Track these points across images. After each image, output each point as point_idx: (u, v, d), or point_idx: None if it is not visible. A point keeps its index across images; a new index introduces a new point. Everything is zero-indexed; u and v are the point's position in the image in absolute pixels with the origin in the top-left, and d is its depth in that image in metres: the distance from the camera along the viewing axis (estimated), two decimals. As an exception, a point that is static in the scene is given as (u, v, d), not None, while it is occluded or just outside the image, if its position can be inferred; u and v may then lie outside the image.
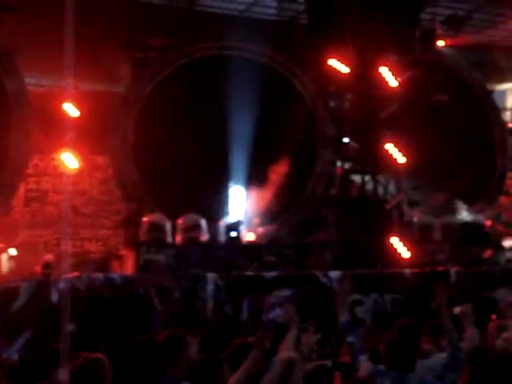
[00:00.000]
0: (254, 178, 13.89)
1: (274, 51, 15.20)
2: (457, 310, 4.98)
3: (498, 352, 4.61)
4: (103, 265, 12.67)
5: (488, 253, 13.66)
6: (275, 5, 16.36)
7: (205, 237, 12.14)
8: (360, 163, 12.79)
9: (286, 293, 9.71)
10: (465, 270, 11.14)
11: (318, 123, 14.90)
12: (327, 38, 13.47)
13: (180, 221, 12.26)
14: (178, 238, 12.05)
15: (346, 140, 13.61)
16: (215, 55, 15.01)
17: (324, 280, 10.02)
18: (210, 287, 9.42)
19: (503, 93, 26.89)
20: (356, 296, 9.86)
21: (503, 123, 19.09)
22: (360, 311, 9.97)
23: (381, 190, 12.68)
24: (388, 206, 12.28)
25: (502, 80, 25.52)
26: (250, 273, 10.41)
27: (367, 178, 12.81)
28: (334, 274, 10.15)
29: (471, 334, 4.63)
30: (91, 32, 11.76)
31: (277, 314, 9.35)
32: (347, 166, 13.25)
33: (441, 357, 4.45)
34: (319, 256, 11.71)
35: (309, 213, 14.54)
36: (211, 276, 9.57)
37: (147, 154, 13.84)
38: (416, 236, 12.93)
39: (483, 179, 17.45)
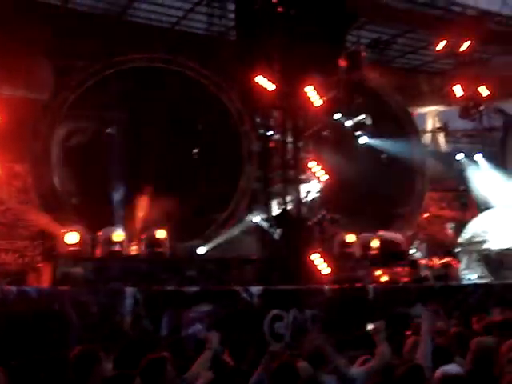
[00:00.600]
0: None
1: (202, 65, 15.25)
2: (370, 326, 5.08)
3: (406, 367, 4.74)
4: (19, 277, 12.24)
5: (405, 270, 14.09)
6: (205, 20, 16.46)
7: (125, 250, 11.96)
8: (283, 179, 12.90)
9: (205, 308, 9.65)
10: (382, 287, 11.42)
11: (244, 139, 15.04)
12: (254, 55, 13.60)
13: (100, 233, 12.02)
14: (98, 251, 11.80)
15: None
16: (144, 67, 14.92)
17: (244, 295, 10.03)
18: (129, 301, 9.22)
19: (423, 116, 28.02)
20: (276, 311, 9.93)
21: (423, 146, 19.85)
22: (279, 327, 10.02)
23: (303, 207, 12.83)
24: (310, 223, 12.44)
25: (423, 103, 26.56)
26: (170, 287, 10.28)
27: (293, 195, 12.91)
28: (255, 289, 10.17)
29: (382, 350, 4.73)
30: (12, 38, 11.44)
31: (197, 329, 9.32)
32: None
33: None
34: (240, 271, 11.73)
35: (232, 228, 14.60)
36: (130, 290, 9.37)
37: (68, 164, 13.54)
38: (336, 252, 13.19)
39: (403, 199, 18.04)
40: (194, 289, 10.04)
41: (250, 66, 13.49)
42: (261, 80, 13.13)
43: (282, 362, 4.71)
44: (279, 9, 13.22)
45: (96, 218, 12.40)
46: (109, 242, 11.96)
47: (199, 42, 16.43)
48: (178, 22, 16.33)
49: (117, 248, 11.98)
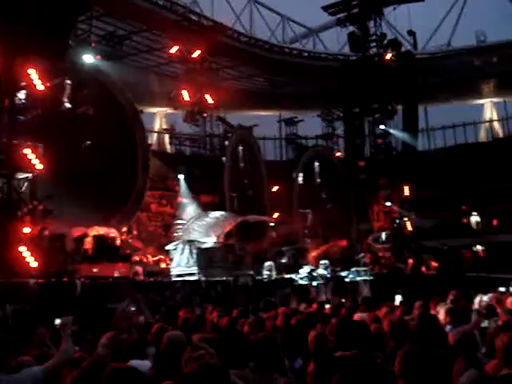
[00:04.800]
0: None
1: None
2: (57, 321, 4.94)
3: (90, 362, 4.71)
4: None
5: (119, 265, 14.13)
6: None
7: None
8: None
9: None
10: (90, 282, 11.30)
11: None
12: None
13: None
14: None
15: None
16: None
17: None
18: None
19: (152, 116, 28.63)
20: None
21: (147, 144, 20.12)
22: (-24, 324, 9.32)
23: (15, 196, 12.03)
24: (20, 213, 11.72)
25: (153, 103, 27.12)
26: None
27: (1, 181, 12.00)
28: None
29: (65, 347, 4.62)
30: None
31: None
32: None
33: (31, 371, 4.33)
34: None
35: None
36: None
37: None
38: (46, 246, 12.59)
39: (123, 195, 18.06)
40: None
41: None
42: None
43: None
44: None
45: None
46: None
47: None
48: None
49: None
